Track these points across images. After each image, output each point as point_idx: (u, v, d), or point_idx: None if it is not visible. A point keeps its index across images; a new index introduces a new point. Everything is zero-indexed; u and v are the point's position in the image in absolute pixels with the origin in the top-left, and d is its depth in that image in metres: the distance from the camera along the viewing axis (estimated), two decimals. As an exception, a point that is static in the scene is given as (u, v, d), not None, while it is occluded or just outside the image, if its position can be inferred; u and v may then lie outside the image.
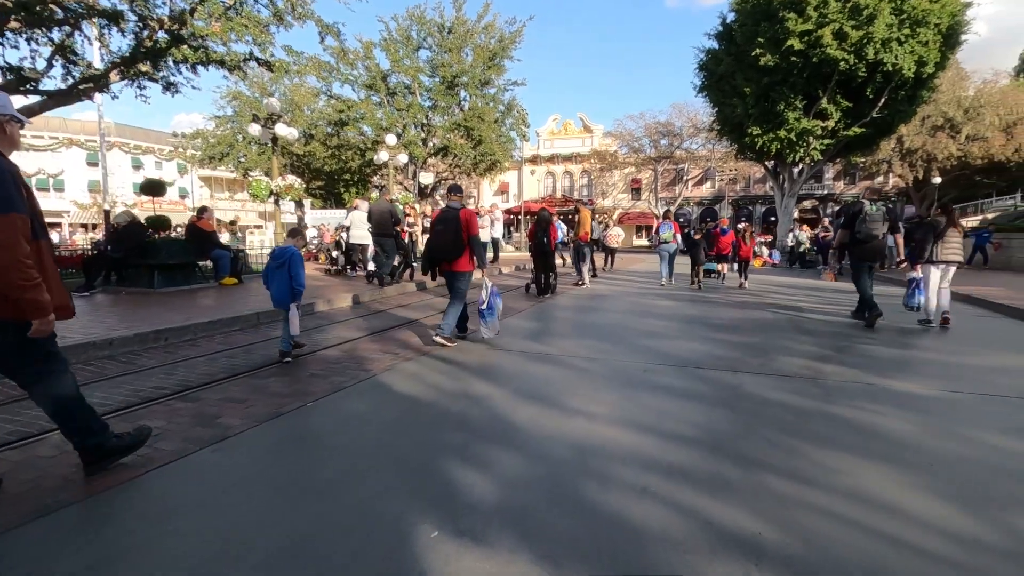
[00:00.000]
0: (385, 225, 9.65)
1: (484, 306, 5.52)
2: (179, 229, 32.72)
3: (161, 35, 9.52)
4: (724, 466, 2.68)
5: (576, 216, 11.14)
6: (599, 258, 14.62)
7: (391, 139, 16.09)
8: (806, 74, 20.17)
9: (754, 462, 2.72)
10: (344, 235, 11.60)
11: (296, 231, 5.36)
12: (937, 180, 29.34)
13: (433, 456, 2.80)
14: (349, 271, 11.49)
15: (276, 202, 12.50)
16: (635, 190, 45.65)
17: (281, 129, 12.04)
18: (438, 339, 5.35)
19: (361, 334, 6.07)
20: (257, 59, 10.47)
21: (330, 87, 20.23)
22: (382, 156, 15.99)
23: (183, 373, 4.43)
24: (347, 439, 3.05)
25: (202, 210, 9.76)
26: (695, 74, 25.30)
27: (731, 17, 22.63)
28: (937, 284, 6.77)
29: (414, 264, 11.88)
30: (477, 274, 5.61)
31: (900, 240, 7.05)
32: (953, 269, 6.78)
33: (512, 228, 37.40)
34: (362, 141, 20.17)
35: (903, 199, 37.15)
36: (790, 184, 24.57)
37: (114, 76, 9.65)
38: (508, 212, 36.72)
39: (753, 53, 20.58)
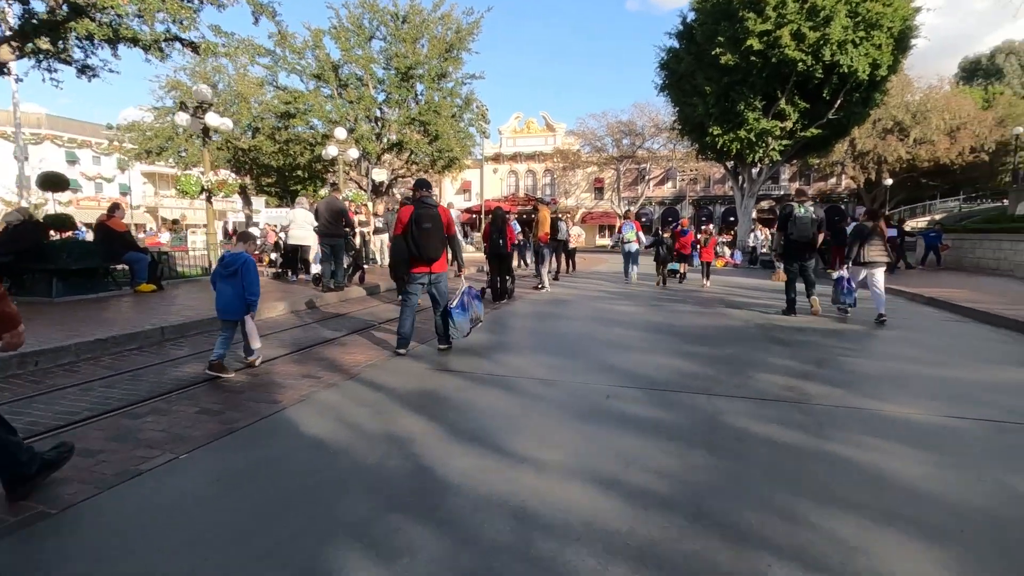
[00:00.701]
0: (335, 225, 8.78)
1: (454, 304, 5.18)
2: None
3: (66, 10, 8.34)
4: (711, 542, 2.04)
5: (535, 216, 10.50)
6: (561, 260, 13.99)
7: (340, 133, 15.06)
8: (765, 74, 20.20)
9: (747, 535, 2.09)
10: (284, 236, 10.60)
11: (247, 235, 4.93)
12: (888, 182, 30.19)
13: (322, 542, 2.05)
14: (290, 275, 10.51)
15: (208, 199, 11.36)
16: (598, 189, 45.54)
17: (212, 119, 10.92)
18: (441, 347, 5.32)
19: (284, 351, 5.23)
20: (180, 39, 9.37)
21: (276, 77, 18.99)
22: (331, 151, 14.98)
23: (37, 412, 3.52)
24: (210, 517, 2.26)
25: (113, 208, 8.62)
26: (656, 73, 25.17)
27: (691, 16, 22.54)
28: (882, 282, 7.14)
29: (365, 267, 11.02)
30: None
31: (820, 237, 7.49)
32: (880, 269, 7.12)
33: (472, 228, 36.63)
34: (312, 135, 19.00)
35: (854, 200, 38.27)
36: (749, 184, 24.68)
37: (7, 54, 8.40)
38: (469, 211, 35.92)
39: (713, 52, 20.49)
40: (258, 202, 28.44)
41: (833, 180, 39.66)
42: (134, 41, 8.62)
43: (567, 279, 13.05)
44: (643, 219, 42.26)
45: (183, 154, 24.00)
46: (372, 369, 4.57)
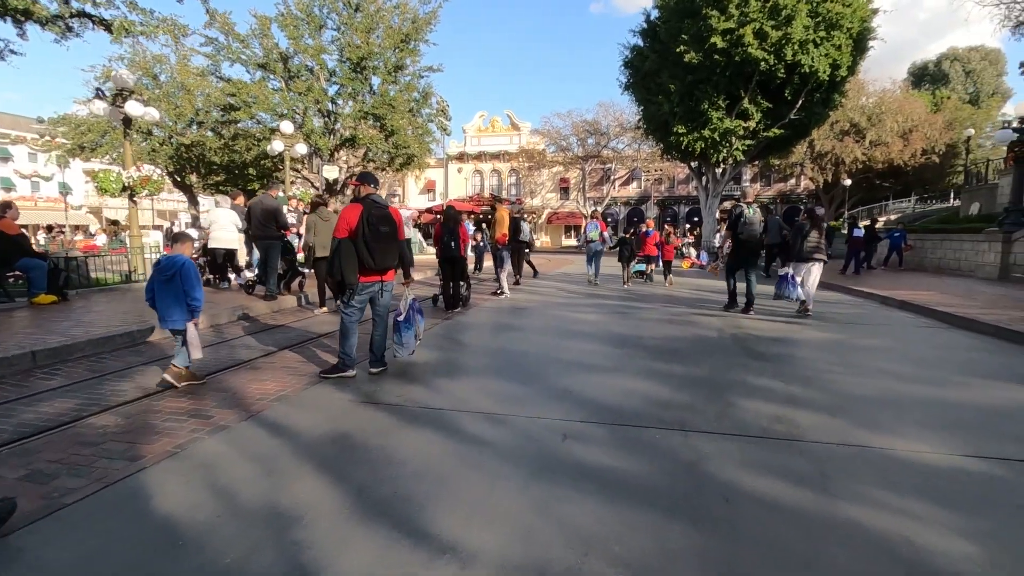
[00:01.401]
0: (267, 227, 7.80)
1: (402, 318, 4.52)
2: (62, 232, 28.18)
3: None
4: None
5: (493, 215, 9.78)
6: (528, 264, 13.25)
7: (287, 126, 13.99)
8: (728, 73, 20.08)
9: None
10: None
11: (183, 236, 4.42)
12: (847, 182, 30.72)
13: None
14: (218, 282, 9.45)
15: (131, 197, 10.19)
16: (563, 190, 45.19)
17: (133, 108, 9.79)
18: (374, 371, 4.52)
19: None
20: (88, 15, 8.24)
21: (218, 67, 17.65)
22: (276, 146, 13.90)
23: None
24: None
25: (4, 207, 7.44)
26: (621, 71, 24.92)
27: (655, 14, 22.31)
28: (817, 277, 7.62)
29: (305, 272, 10.06)
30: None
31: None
32: (819, 265, 7.59)
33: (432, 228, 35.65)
34: (259, 130, 17.74)
35: (813, 201, 39.01)
36: (714, 184, 24.62)
37: None
38: (431, 211, 34.90)
39: (677, 50, 20.28)
40: (209, 202, 26.78)
41: (792, 181, 40.38)
42: (25, 14, 7.47)
43: (528, 283, 12.36)
44: (608, 219, 42.13)
45: (122, 150, 22.26)
46: (280, 404, 3.74)
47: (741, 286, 7.97)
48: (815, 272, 7.55)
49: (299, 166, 19.05)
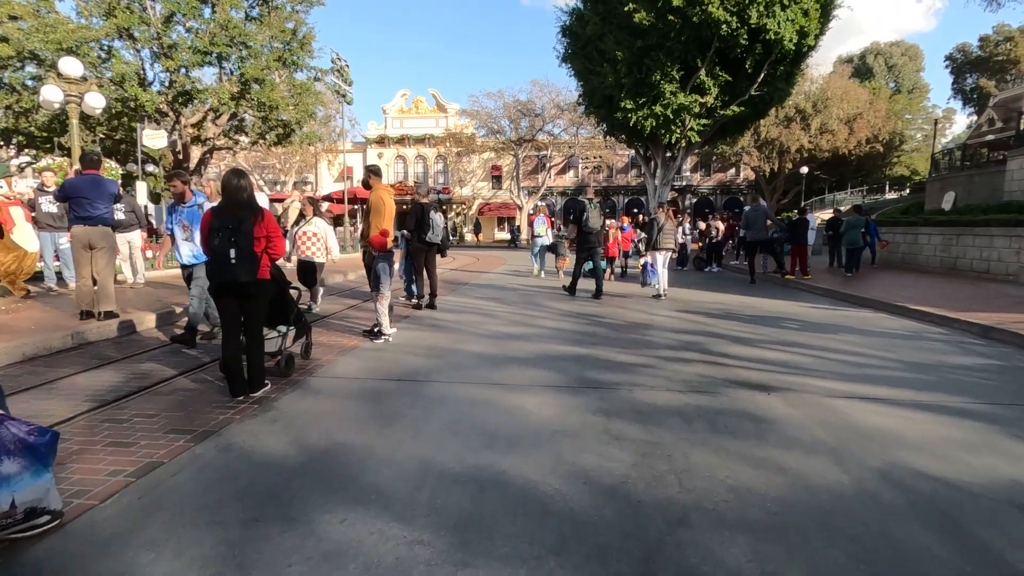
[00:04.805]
0: None
1: None
2: None
3: None
4: None
5: (366, 201, 5.73)
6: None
7: (70, 66, 9.20)
8: (684, 38, 17.07)
9: None
10: None
11: None
12: (804, 170, 29.09)
13: None
14: None
15: None
16: (496, 178, 41.41)
17: None
18: None
19: None
20: None
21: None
22: (48, 94, 9.15)
23: None
24: None
25: None
26: (558, 40, 21.45)
27: (599, -32, 18.88)
28: (665, 262, 8.75)
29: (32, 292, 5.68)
30: None
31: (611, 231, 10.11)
32: (669, 255, 8.81)
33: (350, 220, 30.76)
34: (29, 75, 12.27)
35: (753, 192, 37.59)
36: (663, 171, 21.72)
37: None
38: (328, 198, 29.90)
39: (625, 8, 17.02)
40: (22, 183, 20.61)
41: (732, 171, 38.82)
42: None
43: (441, 302, 8.33)
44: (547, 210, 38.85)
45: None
46: None
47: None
48: (661, 259, 8.61)
49: (88, 127, 13.33)
